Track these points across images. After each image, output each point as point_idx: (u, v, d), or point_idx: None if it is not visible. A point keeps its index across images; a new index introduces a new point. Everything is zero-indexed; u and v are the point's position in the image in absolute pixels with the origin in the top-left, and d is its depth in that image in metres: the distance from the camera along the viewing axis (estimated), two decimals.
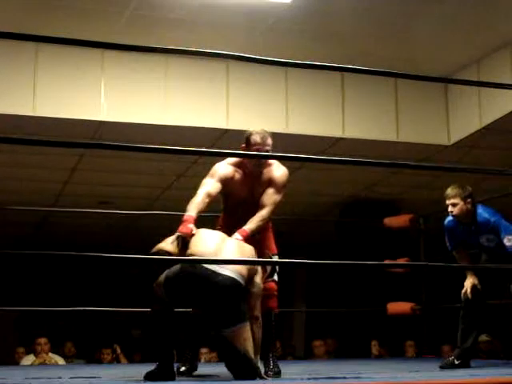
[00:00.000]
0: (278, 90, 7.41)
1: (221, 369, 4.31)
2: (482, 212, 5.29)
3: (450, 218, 5.42)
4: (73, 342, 9.54)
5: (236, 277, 3.92)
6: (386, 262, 7.23)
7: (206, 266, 3.91)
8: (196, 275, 3.90)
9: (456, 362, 5.22)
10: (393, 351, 10.02)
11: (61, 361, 8.38)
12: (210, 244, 4.12)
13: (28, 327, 11.15)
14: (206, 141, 7.24)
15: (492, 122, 7.22)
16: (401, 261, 7.38)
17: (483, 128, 7.35)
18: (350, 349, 10.61)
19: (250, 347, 3.91)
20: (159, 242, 4.22)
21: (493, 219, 5.24)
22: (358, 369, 5.15)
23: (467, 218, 5.30)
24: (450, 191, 5.30)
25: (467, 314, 5.38)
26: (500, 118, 7.11)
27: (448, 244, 5.51)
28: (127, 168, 8.30)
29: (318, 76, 7.25)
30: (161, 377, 3.94)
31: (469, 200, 5.28)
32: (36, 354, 8.26)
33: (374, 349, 9.73)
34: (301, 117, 7.45)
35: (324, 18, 6.49)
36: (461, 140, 7.72)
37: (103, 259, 3.36)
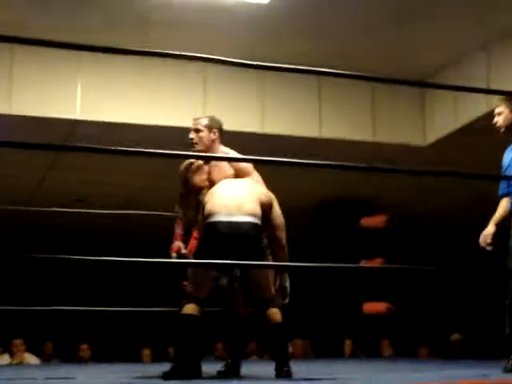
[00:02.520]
0: (254, 90, 7.41)
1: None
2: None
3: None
4: (51, 342, 9.51)
5: (252, 220, 4.20)
6: (362, 262, 7.25)
7: (227, 220, 4.15)
8: (222, 231, 4.15)
9: None
10: (368, 351, 10.05)
11: (36, 361, 8.36)
12: (223, 201, 4.26)
13: (3, 327, 11.09)
14: (182, 140, 7.21)
15: (467, 124, 7.26)
16: (376, 261, 7.40)
17: (459, 129, 7.39)
18: (323, 348, 10.63)
19: (271, 281, 4.26)
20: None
21: None
22: (334, 369, 5.17)
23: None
24: (497, 99, 4.69)
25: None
26: (475, 119, 7.15)
27: (500, 187, 4.69)
28: (103, 167, 8.26)
29: (294, 76, 7.25)
30: (183, 375, 4.02)
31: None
32: (12, 355, 8.23)
33: (347, 348, 9.75)
34: (277, 117, 7.46)
35: (300, 18, 6.49)
36: (436, 141, 7.76)
37: (76, 260, 3.35)
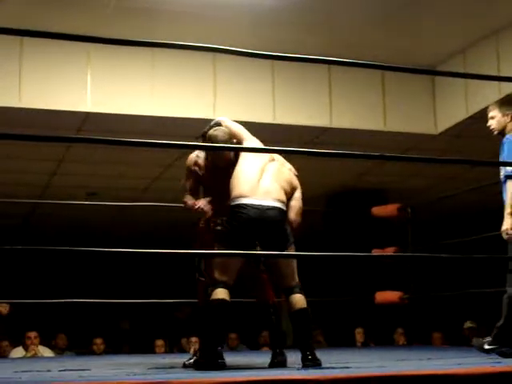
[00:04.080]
0: (265, 81, 7.40)
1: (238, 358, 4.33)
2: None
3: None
4: (65, 334, 9.53)
5: (279, 205, 4.26)
6: (374, 251, 7.24)
7: (254, 204, 4.19)
8: (250, 214, 4.19)
9: (486, 347, 4.76)
10: (381, 340, 10.04)
11: (50, 353, 8.38)
12: (251, 185, 4.29)
13: (17, 320, 11.13)
14: (193, 131, 7.22)
15: (478, 111, 7.23)
16: (389, 250, 7.40)
17: (469, 117, 7.36)
18: (335, 337, 10.62)
19: (295, 268, 4.30)
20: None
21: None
22: (346, 358, 5.17)
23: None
24: (490, 104, 4.97)
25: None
26: (486, 107, 7.11)
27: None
28: (115, 159, 8.28)
29: (305, 67, 7.24)
30: (210, 366, 4.02)
31: (508, 113, 4.83)
32: (26, 348, 8.25)
33: (359, 336, 9.74)
34: (288, 107, 7.46)
35: (312, 9, 6.48)
36: (447, 129, 7.74)
37: (91, 253, 3.36)
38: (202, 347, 4.73)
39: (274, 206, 4.23)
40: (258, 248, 4.23)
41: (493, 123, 4.91)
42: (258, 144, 4.55)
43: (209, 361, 4.05)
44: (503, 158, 4.83)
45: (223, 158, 4.52)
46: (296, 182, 4.51)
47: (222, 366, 4.09)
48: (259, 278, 4.62)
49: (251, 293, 4.73)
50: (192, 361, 4.74)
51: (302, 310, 4.22)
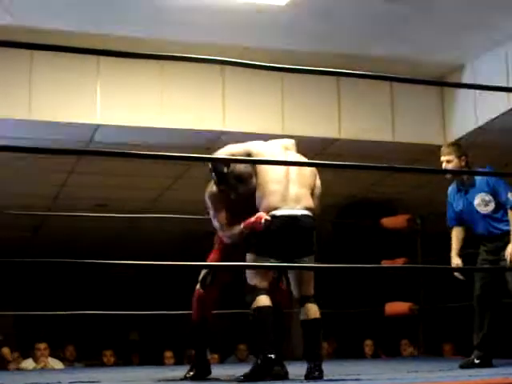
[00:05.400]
0: (274, 91, 7.41)
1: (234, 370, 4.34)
2: (481, 170, 5.37)
3: (451, 185, 5.52)
4: (74, 346, 9.53)
5: (310, 213, 4.34)
6: (384, 262, 7.23)
7: (286, 214, 4.25)
8: (283, 225, 4.24)
9: (476, 362, 5.17)
10: (390, 351, 10.02)
11: (60, 365, 8.39)
12: (277, 193, 4.33)
13: (26, 331, 11.14)
14: (202, 143, 7.25)
15: (487, 122, 7.23)
16: (398, 261, 7.39)
17: (479, 128, 7.36)
18: (345, 349, 10.60)
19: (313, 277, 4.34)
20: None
21: (494, 178, 5.31)
22: (357, 370, 5.15)
23: (461, 177, 5.37)
24: (444, 148, 5.41)
25: (479, 311, 5.35)
26: (495, 118, 7.12)
27: (448, 219, 5.59)
28: (124, 170, 8.30)
29: (313, 77, 7.24)
30: (262, 375, 4.05)
31: (463, 157, 5.33)
32: (35, 359, 8.25)
33: (367, 348, 9.71)
34: (297, 118, 7.45)
35: (320, 19, 6.49)
36: (457, 140, 7.72)
37: (100, 264, 3.36)
38: (196, 359, 4.74)
39: (305, 214, 4.30)
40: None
41: (448, 166, 5.32)
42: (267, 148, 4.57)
43: (263, 371, 4.05)
44: (500, 190, 5.28)
45: (250, 192, 4.50)
46: (317, 182, 4.61)
47: (284, 375, 4.13)
48: (278, 284, 4.63)
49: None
50: (192, 373, 4.74)
51: (316, 319, 4.23)
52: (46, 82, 6.81)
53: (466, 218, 5.47)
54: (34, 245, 11.39)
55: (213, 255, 4.77)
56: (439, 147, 7.84)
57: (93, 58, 6.74)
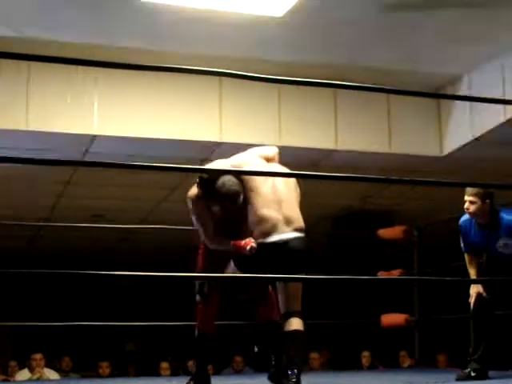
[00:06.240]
0: (270, 103, 7.41)
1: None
2: (506, 215, 5.23)
3: (465, 217, 5.39)
4: (70, 357, 9.51)
5: (300, 234, 4.38)
6: (380, 273, 7.23)
7: (278, 240, 4.28)
8: (272, 249, 4.27)
9: (472, 374, 5.13)
10: (388, 362, 10.00)
11: (55, 376, 8.36)
12: (269, 220, 4.35)
13: (22, 341, 11.11)
14: (199, 154, 7.25)
15: (483, 134, 7.24)
16: (395, 272, 7.38)
17: (475, 139, 7.37)
18: (342, 360, 10.58)
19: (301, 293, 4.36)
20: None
21: None
22: (353, 381, 5.15)
23: (484, 219, 5.24)
24: (469, 188, 5.23)
25: (476, 325, 5.32)
26: (492, 129, 7.14)
27: (462, 245, 5.48)
28: (121, 181, 8.30)
29: (310, 88, 7.26)
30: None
31: (487, 201, 5.20)
32: (31, 370, 8.23)
33: (365, 360, 9.70)
34: (294, 129, 7.46)
35: (317, 30, 6.50)
36: (453, 151, 7.74)
37: (96, 275, 3.36)
38: (196, 370, 4.76)
39: (296, 237, 4.33)
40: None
41: (471, 207, 5.21)
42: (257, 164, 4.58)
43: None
44: None
45: (238, 207, 4.50)
46: (298, 189, 4.70)
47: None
48: (269, 296, 4.64)
49: (257, 309, 4.73)
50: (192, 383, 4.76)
51: (297, 330, 4.21)
52: (43, 93, 6.82)
53: (485, 250, 5.41)
54: (30, 255, 11.38)
55: (200, 260, 4.79)
56: (436, 158, 7.89)
57: (90, 69, 6.74)
